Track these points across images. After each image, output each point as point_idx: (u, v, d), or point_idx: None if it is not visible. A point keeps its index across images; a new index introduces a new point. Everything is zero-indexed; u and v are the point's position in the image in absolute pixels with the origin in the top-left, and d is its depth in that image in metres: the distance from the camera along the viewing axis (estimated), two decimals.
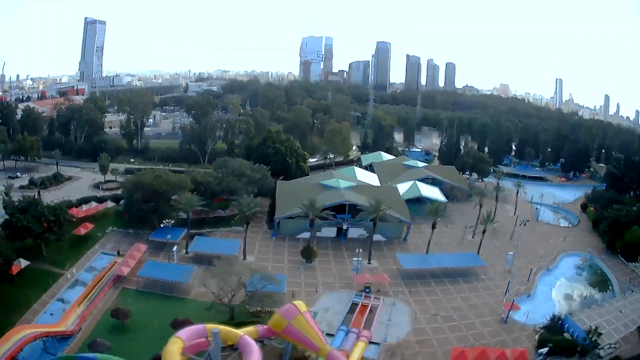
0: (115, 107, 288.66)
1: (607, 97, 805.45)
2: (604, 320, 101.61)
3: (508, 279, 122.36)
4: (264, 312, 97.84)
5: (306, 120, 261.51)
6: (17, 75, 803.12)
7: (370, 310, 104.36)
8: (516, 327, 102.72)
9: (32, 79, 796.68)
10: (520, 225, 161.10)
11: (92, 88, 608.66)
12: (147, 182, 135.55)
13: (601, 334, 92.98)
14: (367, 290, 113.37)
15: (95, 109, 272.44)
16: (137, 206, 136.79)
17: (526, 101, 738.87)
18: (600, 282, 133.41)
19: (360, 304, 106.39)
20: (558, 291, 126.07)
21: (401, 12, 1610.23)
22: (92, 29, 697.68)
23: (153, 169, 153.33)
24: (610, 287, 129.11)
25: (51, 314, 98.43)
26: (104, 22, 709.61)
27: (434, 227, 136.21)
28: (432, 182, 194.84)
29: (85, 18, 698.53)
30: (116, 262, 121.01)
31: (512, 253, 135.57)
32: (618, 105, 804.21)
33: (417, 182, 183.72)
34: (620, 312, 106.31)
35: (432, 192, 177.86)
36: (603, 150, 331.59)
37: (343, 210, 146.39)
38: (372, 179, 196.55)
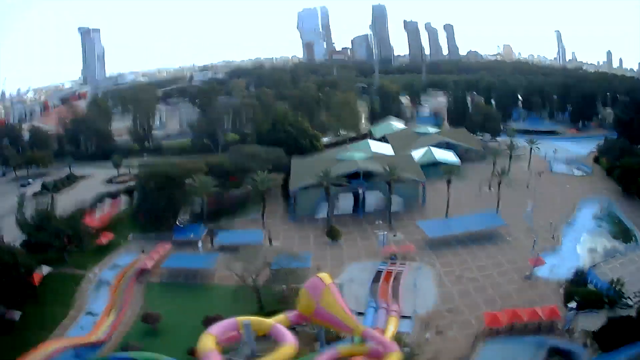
0: (119, 108, 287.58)
1: (609, 53, 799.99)
2: (627, 272, 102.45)
3: (532, 237, 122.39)
4: (289, 289, 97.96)
5: (312, 95, 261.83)
6: (18, 89, 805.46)
7: (394, 277, 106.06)
8: (541, 283, 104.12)
9: (33, 90, 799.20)
10: (535, 175, 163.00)
11: (96, 89, 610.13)
12: (161, 170, 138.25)
13: (624, 283, 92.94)
14: (394, 257, 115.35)
15: (99, 116, 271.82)
16: (150, 198, 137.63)
17: (530, 63, 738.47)
18: (622, 232, 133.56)
19: (385, 271, 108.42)
20: (581, 245, 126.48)
21: None
22: (87, 37, 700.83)
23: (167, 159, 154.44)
24: (633, 237, 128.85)
25: (81, 328, 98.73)
26: (97, 30, 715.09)
27: (449, 183, 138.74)
28: (446, 146, 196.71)
29: (79, 28, 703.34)
30: (139, 259, 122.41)
31: (531, 203, 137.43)
32: (621, 60, 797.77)
33: (431, 147, 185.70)
34: None
35: (446, 156, 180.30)
36: (608, 94, 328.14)
37: (357, 178, 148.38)
38: (386, 149, 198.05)
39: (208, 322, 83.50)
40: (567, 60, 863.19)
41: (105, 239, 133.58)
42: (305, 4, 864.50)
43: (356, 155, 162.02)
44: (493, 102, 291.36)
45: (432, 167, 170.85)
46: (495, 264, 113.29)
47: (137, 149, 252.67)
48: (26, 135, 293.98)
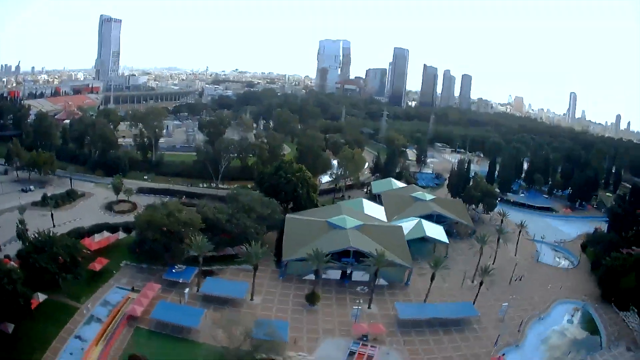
0: (128, 123, 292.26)
1: (618, 117, 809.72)
2: None
3: (500, 328, 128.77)
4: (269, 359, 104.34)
5: (319, 145, 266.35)
6: (32, 68, 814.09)
7: (367, 357, 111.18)
8: None
9: (47, 72, 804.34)
10: (516, 280, 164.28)
11: (108, 85, 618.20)
12: (158, 221, 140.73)
13: None
14: (365, 338, 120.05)
15: (108, 124, 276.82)
16: (148, 244, 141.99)
17: (539, 119, 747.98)
18: (589, 333, 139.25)
19: (357, 352, 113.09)
20: (546, 343, 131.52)
21: (419, 19, 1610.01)
22: (107, 26, 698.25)
23: (165, 204, 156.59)
24: (599, 338, 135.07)
25: (71, 353, 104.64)
26: (119, 21, 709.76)
27: (432, 278, 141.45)
28: (438, 218, 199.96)
29: (101, 16, 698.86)
30: (130, 298, 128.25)
31: (506, 304, 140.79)
32: (629, 124, 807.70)
33: (422, 220, 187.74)
34: None
35: (435, 232, 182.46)
36: (613, 170, 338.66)
37: (348, 254, 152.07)
38: (379, 212, 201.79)
39: None
40: (576, 117, 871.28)
41: (99, 264, 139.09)
42: (328, 34, 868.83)
43: (348, 223, 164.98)
44: (497, 168, 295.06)
45: (420, 242, 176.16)
46: (460, 356, 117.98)
47: (140, 160, 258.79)
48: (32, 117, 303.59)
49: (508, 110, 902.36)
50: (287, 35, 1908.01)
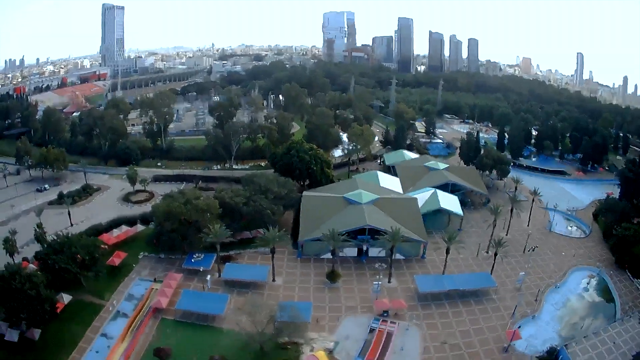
0: (138, 111, 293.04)
1: (625, 79, 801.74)
2: (596, 353, 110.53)
3: (517, 298, 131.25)
4: (291, 343, 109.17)
5: (328, 123, 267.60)
6: (37, 59, 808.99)
7: (385, 337, 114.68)
8: (517, 356, 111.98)
9: (52, 62, 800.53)
10: (529, 251, 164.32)
11: (115, 70, 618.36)
12: (176, 211, 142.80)
13: None
14: (385, 314, 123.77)
15: (117, 115, 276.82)
16: (167, 235, 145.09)
17: (547, 82, 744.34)
18: (605, 301, 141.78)
19: (377, 329, 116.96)
20: (562, 311, 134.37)
21: None
22: (110, 14, 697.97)
23: (182, 192, 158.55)
24: (613, 306, 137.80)
25: (97, 352, 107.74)
26: (122, 7, 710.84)
27: (447, 252, 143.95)
28: (452, 187, 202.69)
29: (103, 4, 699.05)
30: (153, 289, 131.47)
31: (523, 273, 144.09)
32: (636, 87, 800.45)
33: (438, 191, 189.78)
34: (614, 343, 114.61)
35: (450, 204, 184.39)
36: (621, 134, 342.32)
37: (364, 231, 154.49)
38: (394, 184, 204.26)
39: None
40: (584, 79, 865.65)
41: (117, 259, 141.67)
42: (331, 6, 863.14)
43: (364, 198, 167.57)
44: (506, 135, 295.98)
45: (435, 214, 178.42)
46: (477, 330, 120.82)
47: (150, 147, 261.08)
48: (39, 112, 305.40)
49: (516, 71, 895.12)
50: (291, 8, 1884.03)
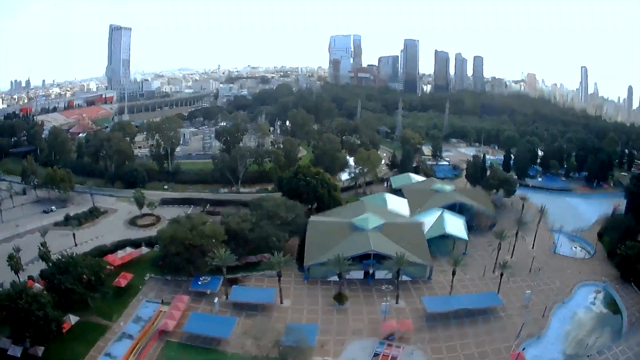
0: (145, 134, 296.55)
1: (630, 89, 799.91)
2: None
3: (524, 316, 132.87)
4: None
5: (335, 148, 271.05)
6: (43, 81, 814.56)
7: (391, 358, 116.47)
8: None
9: (58, 85, 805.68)
10: (533, 272, 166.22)
11: (121, 93, 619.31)
12: (181, 236, 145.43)
13: None
14: (391, 337, 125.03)
15: (124, 138, 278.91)
16: (171, 258, 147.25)
17: (553, 98, 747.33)
18: (612, 315, 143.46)
19: (381, 354, 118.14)
20: (569, 328, 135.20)
21: (428, 7, 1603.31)
22: (117, 35, 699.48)
23: (189, 217, 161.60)
24: (620, 320, 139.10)
25: None
26: (129, 29, 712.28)
27: (454, 274, 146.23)
28: (460, 208, 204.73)
29: (110, 25, 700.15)
30: (161, 311, 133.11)
31: (529, 292, 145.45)
32: None
33: (445, 213, 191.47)
34: None
35: (456, 228, 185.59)
36: (626, 151, 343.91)
37: (369, 256, 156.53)
38: (402, 206, 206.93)
39: None
40: (589, 93, 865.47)
41: (124, 280, 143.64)
42: (337, 28, 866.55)
43: (370, 224, 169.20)
44: (512, 156, 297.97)
45: (441, 239, 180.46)
46: (480, 353, 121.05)
47: (157, 170, 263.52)
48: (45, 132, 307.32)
49: (522, 88, 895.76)
50: (297, 30, 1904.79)
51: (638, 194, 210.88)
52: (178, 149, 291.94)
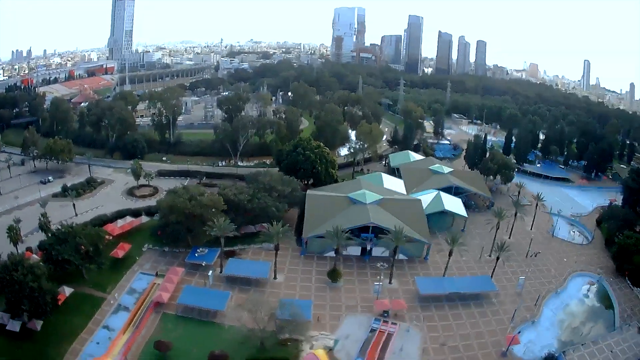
0: (147, 103, 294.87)
1: (632, 85, 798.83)
2: None
3: (517, 303, 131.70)
4: (292, 340, 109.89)
5: (337, 119, 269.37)
6: (44, 51, 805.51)
7: (385, 338, 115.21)
8: None
9: (59, 54, 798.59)
10: (531, 256, 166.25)
11: (122, 64, 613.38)
12: (181, 206, 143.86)
13: None
14: (386, 314, 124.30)
15: (126, 107, 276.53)
16: (171, 227, 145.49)
17: (554, 86, 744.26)
18: (604, 308, 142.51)
19: (377, 330, 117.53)
20: (562, 317, 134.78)
21: None
22: (120, 5, 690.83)
23: (186, 188, 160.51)
24: (612, 314, 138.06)
25: (98, 343, 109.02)
26: (132, 0, 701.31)
27: (450, 254, 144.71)
28: (456, 190, 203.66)
29: None
30: (155, 284, 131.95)
31: (523, 278, 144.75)
32: None
33: (441, 193, 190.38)
34: (612, 351, 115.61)
35: (454, 206, 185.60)
36: (627, 142, 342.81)
37: (367, 229, 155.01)
38: (398, 185, 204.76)
39: (213, 357, 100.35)
40: (591, 84, 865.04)
41: (121, 251, 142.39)
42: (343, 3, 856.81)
43: (368, 198, 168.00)
44: (513, 138, 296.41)
45: (440, 215, 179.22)
46: (476, 334, 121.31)
47: (157, 141, 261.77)
48: (47, 102, 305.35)
49: (523, 76, 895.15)
50: (301, 4, 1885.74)
51: (635, 188, 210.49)
52: (180, 117, 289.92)
